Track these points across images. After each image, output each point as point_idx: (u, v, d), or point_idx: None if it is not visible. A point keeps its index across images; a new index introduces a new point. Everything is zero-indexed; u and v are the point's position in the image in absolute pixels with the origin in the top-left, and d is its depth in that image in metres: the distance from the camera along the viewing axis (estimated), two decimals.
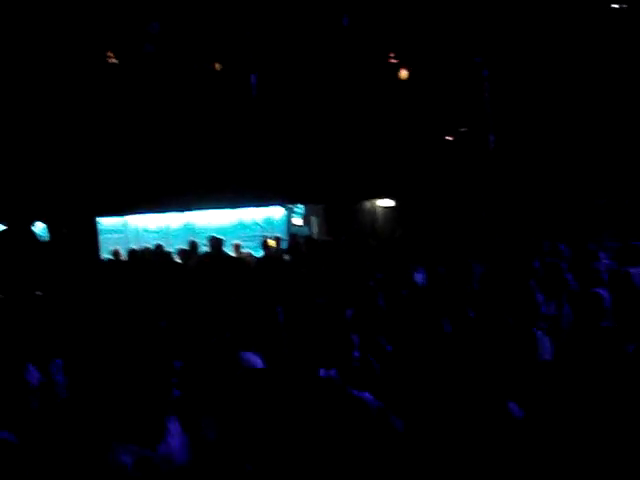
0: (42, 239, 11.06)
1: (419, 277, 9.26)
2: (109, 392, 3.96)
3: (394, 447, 3.66)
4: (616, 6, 13.84)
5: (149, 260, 11.35)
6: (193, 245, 12.70)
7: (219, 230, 14.55)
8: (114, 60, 13.34)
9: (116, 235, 15.30)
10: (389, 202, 15.86)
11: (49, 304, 7.68)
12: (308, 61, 13.63)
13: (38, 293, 8.47)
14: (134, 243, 14.56)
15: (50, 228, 11.62)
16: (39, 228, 11.66)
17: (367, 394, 4.11)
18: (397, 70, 14.22)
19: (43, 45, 12.31)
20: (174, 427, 3.64)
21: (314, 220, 16.77)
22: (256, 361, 4.58)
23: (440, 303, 6.84)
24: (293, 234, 15.49)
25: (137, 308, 7.20)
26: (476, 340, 5.43)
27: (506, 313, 6.16)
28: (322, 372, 4.63)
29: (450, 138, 14.33)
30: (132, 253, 11.77)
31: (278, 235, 15.25)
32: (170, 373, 3.84)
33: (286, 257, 12.87)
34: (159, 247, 12.67)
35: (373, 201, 16.17)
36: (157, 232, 15.49)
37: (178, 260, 12.37)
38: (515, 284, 7.45)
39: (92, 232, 13.43)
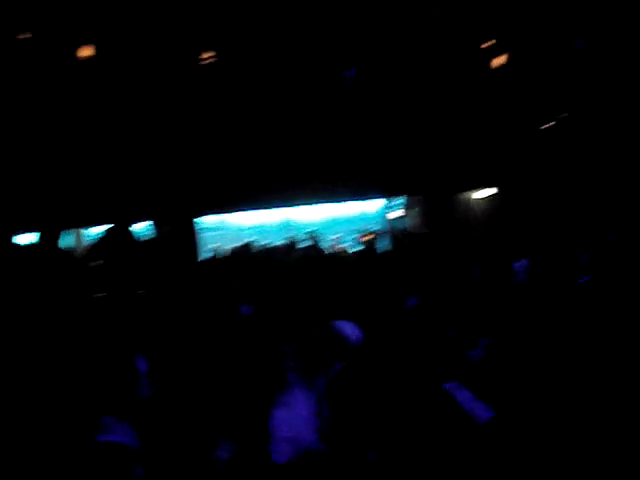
0: (142, 239, 11.22)
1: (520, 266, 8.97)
2: (217, 382, 4.00)
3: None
4: None
5: (250, 257, 11.38)
6: (292, 241, 12.70)
7: (316, 225, 14.55)
8: (211, 58, 13.43)
9: (214, 233, 15.46)
10: (486, 193, 15.56)
11: (151, 302, 7.77)
12: (404, 50, 13.45)
13: (140, 291, 8.55)
14: (232, 241, 14.67)
15: (151, 228, 11.81)
16: (139, 228, 11.85)
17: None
18: (494, 56, 13.91)
19: (144, 43, 12.48)
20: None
21: (412, 213, 16.57)
22: (353, 330, 4.65)
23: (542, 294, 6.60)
24: (391, 228, 15.35)
25: (238, 303, 7.21)
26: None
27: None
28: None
29: (549, 125, 13.96)
30: (232, 251, 11.84)
31: (376, 229, 15.13)
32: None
33: (385, 251, 12.75)
34: (249, 245, 12.72)
35: (470, 192, 15.90)
36: (255, 229, 15.59)
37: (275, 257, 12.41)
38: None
39: (191, 231, 13.61)
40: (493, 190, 15.29)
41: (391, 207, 16.93)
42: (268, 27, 12.99)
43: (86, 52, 12.27)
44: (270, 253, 12.02)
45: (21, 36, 12.01)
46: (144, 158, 12.58)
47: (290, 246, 12.51)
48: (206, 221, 15.15)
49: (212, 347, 5.34)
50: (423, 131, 13.40)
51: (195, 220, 14.10)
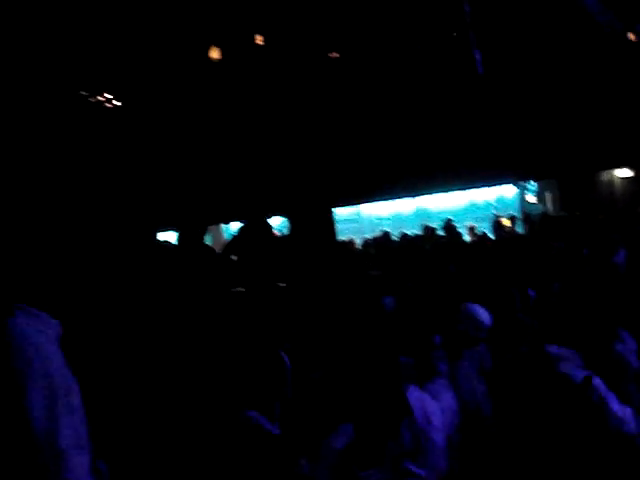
0: (280, 232, 11.43)
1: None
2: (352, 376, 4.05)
3: None
4: None
5: (390, 247, 11.45)
6: (428, 230, 12.67)
7: (451, 213, 14.45)
8: (335, 54, 13.55)
9: (350, 225, 15.57)
10: (628, 172, 15.02)
11: (291, 295, 7.89)
12: (536, 36, 13.14)
13: (281, 284, 8.68)
14: (368, 232, 14.75)
15: (288, 221, 12.00)
16: (277, 222, 12.09)
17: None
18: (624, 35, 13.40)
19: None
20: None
21: (548, 196, 16.20)
22: (483, 314, 4.66)
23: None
24: (527, 212, 15.07)
25: (380, 294, 7.24)
26: None
27: None
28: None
29: None
30: (372, 241, 11.96)
31: (512, 214, 14.88)
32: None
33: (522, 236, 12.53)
34: (388, 234, 12.76)
35: (611, 172, 15.38)
36: (390, 219, 15.61)
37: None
38: None
39: (329, 223, 13.73)
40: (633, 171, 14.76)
41: (527, 191, 16.60)
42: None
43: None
44: (410, 242, 12.02)
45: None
46: (277, 153, 12.80)
47: (427, 235, 12.47)
48: (342, 212, 15.27)
49: (356, 339, 5.39)
50: (557, 111, 13.05)
51: (332, 212, 14.23)
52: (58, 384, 2.22)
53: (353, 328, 6.04)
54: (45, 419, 2.15)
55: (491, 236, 13.10)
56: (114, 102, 12.75)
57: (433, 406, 3.67)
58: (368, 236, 13.99)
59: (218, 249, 11.47)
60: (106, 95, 12.65)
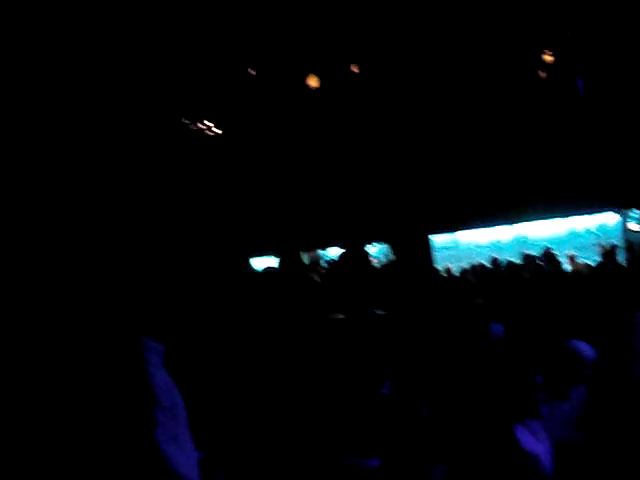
0: (378, 260, 11.43)
1: None
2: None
3: None
4: None
5: (491, 275, 11.32)
6: (527, 258, 12.45)
7: (551, 241, 14.17)
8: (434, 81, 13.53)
9: (447, 252, 15.43)
10: None
11: (391, 322, 7.87)
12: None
13: (379, 312, 8.66)
14: (465, 259, 14.59)
15: (387, 248, 12.01)
16: (375, 249, 12.10)
17: None
18: None
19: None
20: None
21: None
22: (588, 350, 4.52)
23: None
24: (630, 241, 14.67)
25: (485, 322, 7.17)
26: None
27: None
28: None
29: None
30: (472, 269, 11.84)
31: (614, 243, 14.51)
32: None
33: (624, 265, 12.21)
34: (491, 262, 12.61)
35: None
36: (488, 247, 15.42)
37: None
38: None
39: (426, 250, 13.67)
40: None
41: (630, 219, 16.17)
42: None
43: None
44: (511, 271, 11.84)
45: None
46: (375, 179, 12.84)
47: (527, 263, 12.25)
48: (438, 240, 15.17)
49: (461, 367, 5.32)
50: None
51: (429, 239, 14.17)
52: (180, 417, 2.29)
53: (461, 358, 5.96)
54: (171, 450, 2.23)
55: (593, 264, 12.81)
56: (215, 130, 13.03)
57: (539, 449, 3.60)
58: (465, 264, 13.84)
59: (316, 276, 11.54)
60: (207, 123, 12.94)
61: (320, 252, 14.96)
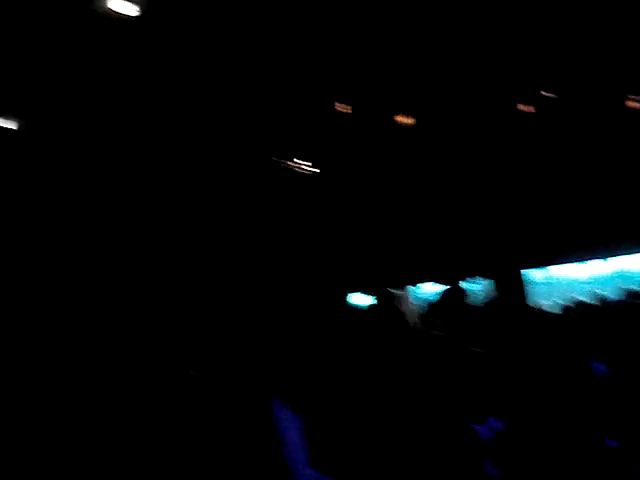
0: (476, 296, 11.29)
1: None
2: None
3: None
4: None
5: (598, 312, 10.99)
6: (630, 294, 12.03)
7: None
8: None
9: (541, 288, 15.09)
10: None
11: (487, 359, 7.71)
12: None
13: (477, 350, 8.52)
14: (560, 295, 14.21)
15: (481, 284, 11.86)
16: (472, 286, 11.93)
17: None
18: None
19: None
20: None
21: None
22: None
23: None
24: None
25: (587, 360, 6.97)
26: None
27: None
28: None
29: None
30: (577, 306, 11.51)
31: None
32: None
33: None
34: (596, 299, 12.20)
35: None
36: (588, 281, 15.00)
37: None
38: None
39: (520, 286, 13.44)
40: None
41: None
42: None
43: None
44: (612, 308, 11.47)
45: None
46: (466, 215, 12.72)
47: (630, 299, 11.84)
48: (534, 275, 14.87)
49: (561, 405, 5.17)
50: None
51: (523, 274, 13.92)
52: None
53: (561, 397, 5.78)
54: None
55: None
56: (312, 169, 13.12)
57: None
58: (560, 300, 13.48)
59: (407, 312, 11.43)
60: (302, 162, 13.04)
61: (410, 288, 14.85)
